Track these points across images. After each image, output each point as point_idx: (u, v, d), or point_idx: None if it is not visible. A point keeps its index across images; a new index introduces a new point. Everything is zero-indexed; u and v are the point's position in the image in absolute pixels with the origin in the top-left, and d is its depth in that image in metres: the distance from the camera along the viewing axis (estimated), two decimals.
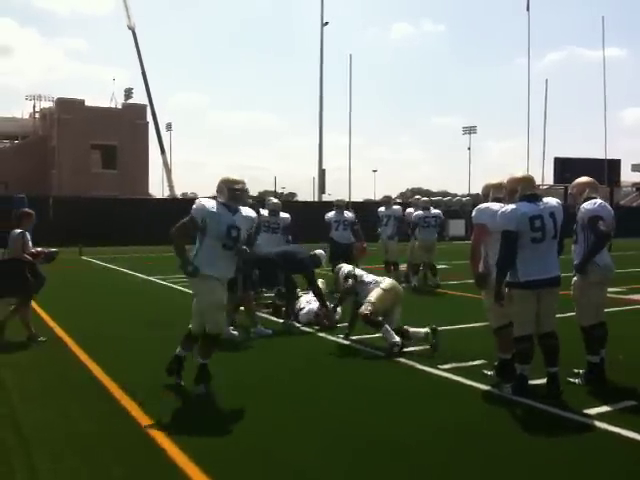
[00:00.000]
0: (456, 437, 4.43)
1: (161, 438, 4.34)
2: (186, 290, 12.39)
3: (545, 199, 5.28)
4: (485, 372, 5.86)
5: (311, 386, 5.77)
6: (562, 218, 5.25)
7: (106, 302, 11.02)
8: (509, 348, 5.47)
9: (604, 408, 4.91)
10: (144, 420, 4.70)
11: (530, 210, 5.11)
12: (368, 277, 7.47)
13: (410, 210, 13.64)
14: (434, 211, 13.51)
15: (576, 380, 5.55)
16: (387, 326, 6.87)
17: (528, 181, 5.31)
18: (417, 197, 14.73)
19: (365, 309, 6.99)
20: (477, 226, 5.60)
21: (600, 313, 5.67)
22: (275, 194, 42.30)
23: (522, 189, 5.23)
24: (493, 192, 5.72)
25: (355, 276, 7.46)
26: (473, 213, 5.73)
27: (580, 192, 5.70)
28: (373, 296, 7.07)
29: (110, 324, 8.65)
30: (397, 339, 6.74)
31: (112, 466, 3.98)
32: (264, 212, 10.95)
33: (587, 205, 5.54)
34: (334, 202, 13.11)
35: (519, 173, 5.45)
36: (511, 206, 5.18)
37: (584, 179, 5.83)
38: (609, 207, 5.68)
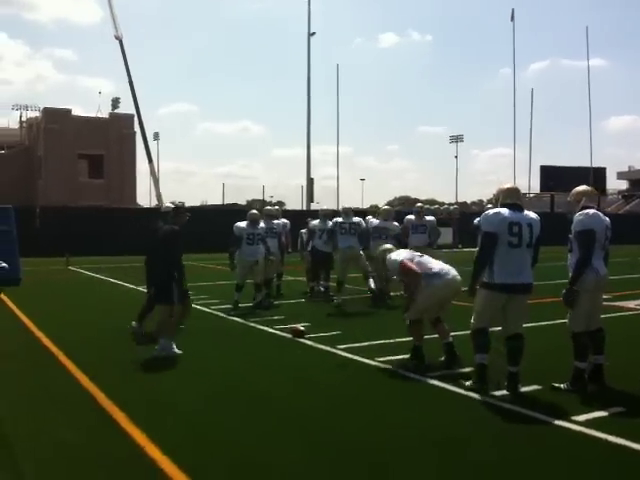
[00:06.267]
0: (444, 444, 4.43)
1: (149, 446, 4.32)
2: None
3: (526, 211, 5.63)
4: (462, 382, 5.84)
5: (297, 394, 5.75)
6: (539, 231, 5.61)
7: (92, 312, 10.96)
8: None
9: (592, 414, 4.92)
10: (132, 430, 4.68)
11: (510, 215, 5.48)
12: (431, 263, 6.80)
13: (410, 217, 13.18)
14: (427, 218, 13.09)
15: (561, 385, 5.58)
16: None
17: (511, 191, 5.69)
18: (419, 205, 14.04)
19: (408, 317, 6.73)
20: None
21: (595, 320, 5.71)
22: (262, 203, 42.15)
23: (503, 197, 5.63)
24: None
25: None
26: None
27: (577, 201, 5.73)
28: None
29: (96, 334, 8.59)
30: None
31: (101, 477, 3.95)
32: (243, 224, 10.97)
33: (579, 216, 5.59)
34: (319, 211, 13.13)
35: (507, 184, 5.81)
36: (493, 210, 5.61)
37: (581, 188, 5.87)
38: (602, 217, 5.68)
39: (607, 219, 5.74)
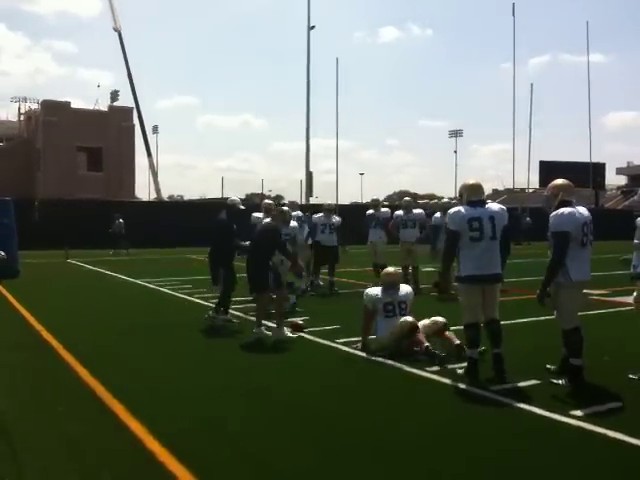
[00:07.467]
0: (442, 439, 4.45)
1: (150, 440, 4.33)
2: (171, 292, 12.36)
3: (489, 205, 5.88)
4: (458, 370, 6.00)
5: (297, 387, 5.76)
6: (504, 222, 5.84)
7: (92, 305, 10.96)
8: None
9: (590, 409, 4.93)
10: (132, 422, 4.69)
11: (469, 213, 5.73)
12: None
13: (399, 212, 13.20)
14: (415, 211, 13.11)
15: (559, 381, 5.59)
16: None
17: (474, 188, 5.90)
18: (406, 198, 14.43)
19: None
20: None
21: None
22: (261, 196, 42.11)
23: (468, 195, 5.85)
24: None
25: None
26: None
27: (554, 195, 5.61)
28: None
29: (96, 327, 8.61)
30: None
31: (101, 469, 3.96)
32: (260, 214, 10.88)
33: (553, 215, 5.48)
34: (324, 206, 13.14)
35: (470, 180, 6.04)
36: (455, 209, 5.89)
37: (559, 181, 5.70)
38: (578, 213, 5.49)
39: (586, 213, 5.57)
